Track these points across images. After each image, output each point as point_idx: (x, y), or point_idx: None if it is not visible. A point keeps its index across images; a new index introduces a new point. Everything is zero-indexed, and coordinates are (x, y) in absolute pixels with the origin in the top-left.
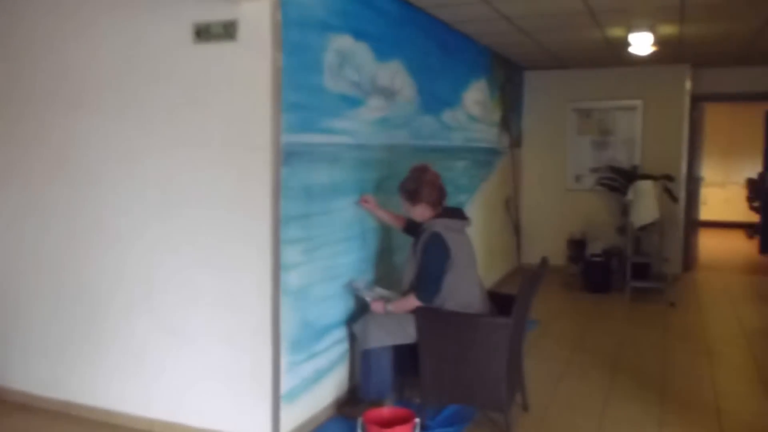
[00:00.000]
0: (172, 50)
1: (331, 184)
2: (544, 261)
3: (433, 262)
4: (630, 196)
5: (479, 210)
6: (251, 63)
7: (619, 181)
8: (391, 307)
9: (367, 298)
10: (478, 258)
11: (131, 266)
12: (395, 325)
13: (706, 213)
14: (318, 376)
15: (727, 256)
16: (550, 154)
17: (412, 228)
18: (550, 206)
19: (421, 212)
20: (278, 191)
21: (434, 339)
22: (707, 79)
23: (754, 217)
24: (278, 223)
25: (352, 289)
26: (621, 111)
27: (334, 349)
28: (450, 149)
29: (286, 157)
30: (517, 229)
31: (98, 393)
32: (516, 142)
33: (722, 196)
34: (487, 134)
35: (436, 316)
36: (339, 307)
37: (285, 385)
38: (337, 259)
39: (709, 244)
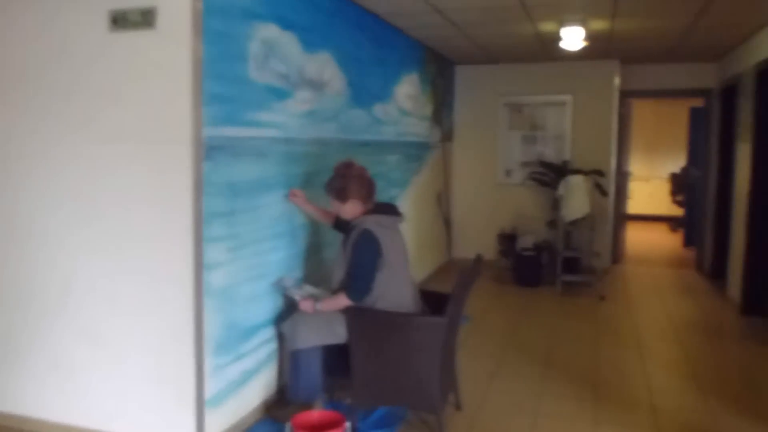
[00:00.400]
0: (87, 39)
1: (257, 180)
2: (478, 258)
3: (363, 260)
4: (561, 191)
5: (412, 204)
6: (170, 52)
7: (550, 175)
8: (320, 306)
9: (296, 297)
10: (410, 252)
11: (48, 268)
12: (325, 324)
13: (631, 207)
14: (245, 378)
15: (652, 249)
16: (481, 148)
17: (342, 224)
18: (481, 200)
19: (351, 209)
20: (200, 187)
21: (365, 339)
22: (634, 75)
23: (678, 211)
24: (200, 220)
25: (280, 287)
26: (551, 106)
27: (262, 349)
28: (381, 143)
29: (208, 151)
30: (448, 223)
31: (14, 399)
32: (447, 136)
33: (647, 191)
34: (418, 128)
35: (366, 315)
36: (267, 307)
37: (209, 390)
38: (265, 256)
39: (635, 238)
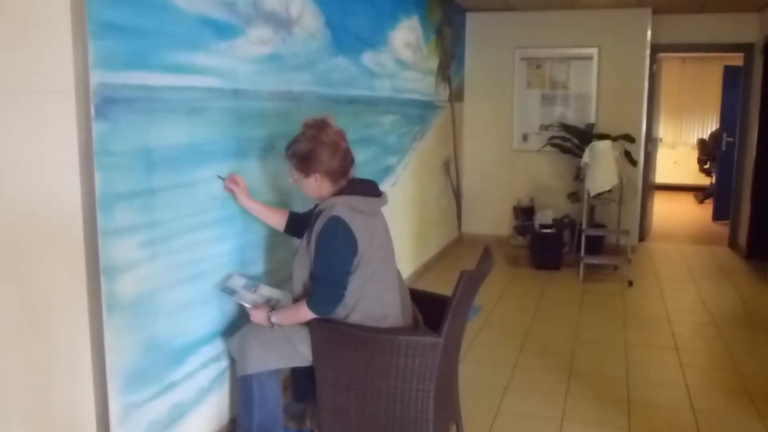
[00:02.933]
0: None
1: (189, 146)
2: (486, 252)
3: (331, 258)
4: (585, 159)
5: (413, 175)
6: None
7: (572, 141)
8: (276, 318)
9: (246, 304)
10: (412, 230)
11: None
12: (282, 342)
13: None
14: (179, 414)
15: (680, 223)
16: (495, 109)
17: (297, 225)
18: (494, 169)
19: (316, 187)
20: (90, 158)
21: (335, 363)
22: (665, 27)
23: (705, 180)
24: (93, 205)
25: (227, 290)
26: (575, 61)
27: (204, 373)
28: (373, 101)
29: (102, 106)
30: (457, 195)
31: None
32: (456, 96)
33: (672, 158)
34: (421, 84)
35: (337, 332)
36: (209, 316)
37: None
38: (203, 250)
39: (660, 210)
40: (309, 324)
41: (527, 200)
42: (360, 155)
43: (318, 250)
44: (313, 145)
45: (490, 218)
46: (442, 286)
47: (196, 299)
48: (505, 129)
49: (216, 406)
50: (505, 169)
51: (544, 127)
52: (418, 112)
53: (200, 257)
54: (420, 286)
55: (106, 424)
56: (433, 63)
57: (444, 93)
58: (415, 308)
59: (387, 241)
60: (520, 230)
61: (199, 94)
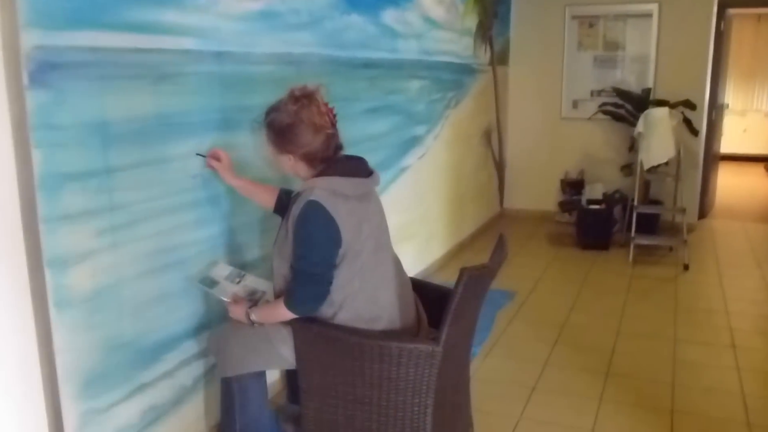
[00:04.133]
0: None
1: (159, 118)
2: (500, 243)
3: (312, 250)
4: (639, 127)
5: (446, 146)
6: None
7: (627, 108)
8: (255, 315)
9: (224, 298)
10: (444, 206)
11: None
12: (263, 343)
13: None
14: (157, 416)
15: (747, 198)
16: (542, 73)
17: (287, 205)
18: (541, 139)
19: (290, 166)
20: (24, 133)
21: (320, 369)
22: None
23: None
24: (31, 188)
25: (205, 281)
26: (632, 19)
27: (186, 371)
28: (396, 64)
29: (39, 72)
30: (499, 167)
31: None
32: (500, 59)
33: (741, 126)
34: (456, 46)
35: (320, 334)
36: (189, 308)
37: None
38: (180, 235)
39: (725, 183)
40: (291, 324)
41: (576, 173)
42: (378, 125)
43: (296, 240)
44: (293, 122)
45: (535, 192)
46: None
47: (172, 290)
48: (553, 95)
49: (203, 405)
50: (553, 139)
51: (596, 93)
52: (453, 76)
53: (177, 244)
54: (454, 267)
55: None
56: (471, 22)
57: (484, 56)
58: (420, 306)
59: (380, 229)
60: (564, 206)
61: (169, 57)
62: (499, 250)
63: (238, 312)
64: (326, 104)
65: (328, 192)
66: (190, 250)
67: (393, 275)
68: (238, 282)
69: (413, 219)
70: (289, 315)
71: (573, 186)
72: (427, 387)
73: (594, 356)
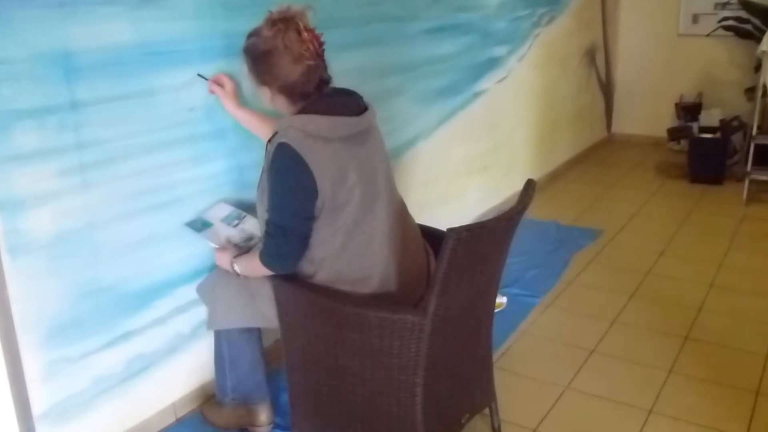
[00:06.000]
0: None
1: (140, 47)
2: (527, 187)
3: (282, 200)
4: (764, 45)
5: (534, 68)
6: None
7: (753, 22)
8: (238, 266)
9: (211, 243)
10: (531, 133)
11: None
12: (245, 297)
13: None
14: (145, 366)
15: None
16: None
17: None
18: (655, 57)
19: (268, 100)
20: None
21: (302, 331)
22: None
23: None
24: None
25: (195, 224)
26: None
27: (182, 318)
28: None
29: None
30: (606, 89)
31: None
32: None
33: None
34: None
35: (297, 295)
36: (185, 250)
37: (43, 400)
38: (172, 173)
39: None
40: (270, 280)
41: (693, 96)
42: (444, 47)
43: (269, 187)
44: (268, 49)
45: (647, 117)
46: (575, 198)
47: (163, 232)
48: (670, 8)
49: (204, 354)
50: (669, 58)
51: (720, 6)
52: None
53: (169, 182)
54: (538, 199)
55: (20, 383)
56: None
57: None
58: (433, 261)
59: (375, 175)
60: (673, 134)
61: None
62: (523, 195)
63: (223, 260)
64: (311, 30)
65: (303, 133)
66: (187, 188)
67: (388, 229)
68: (236, 225)
69: (486, 149)
70: (266, 270)
71: (689, 110)
72: (415, 363)
73: (675, 315)
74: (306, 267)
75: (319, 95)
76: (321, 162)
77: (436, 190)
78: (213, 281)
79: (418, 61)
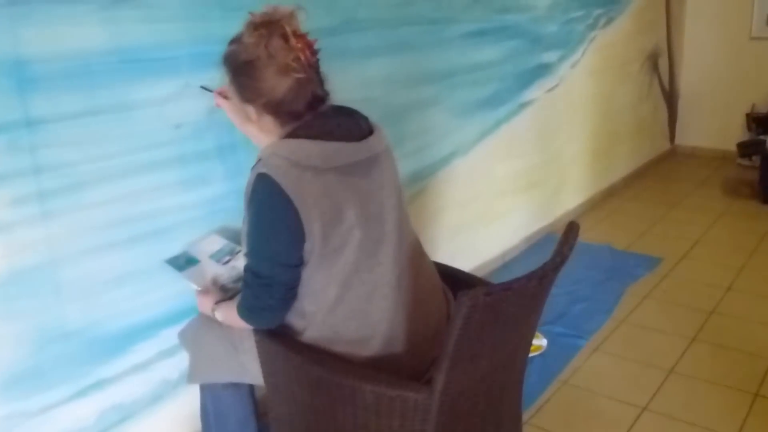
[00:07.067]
0: None
1: (115, 53)
2: (570, 231)
3: (259, 243)
4: None
5: (590, 75)
6: None
7: None
8: (220, 315)
9: (193, 285)
10: (585, 147)
11: None
12: (227, 350)
13: None
14: (123, 417)
15: None
16: None
17: None
18: (724, 63)
19: (256, 120)
20: None
21: (288, 397)
22: None
23: None
24: None
25: (177, 261)
26: None
27: (167, 362)
28: None
29: None
30: (669, 98)
31: None
32: None
33: None
34: None
35: (281, 357)
36: (173, 288)
37: None
38: (152, 201)
39: None
40: (253, 334)
41: (767, 106)
42: (486, 53)
43: (247, 227)
44: (251, 57)
45: (714, 128)
46: (631, 219)
47: (143, 267)
48: (742, 8)
49: (195, 402)
50: (739, 64)
51: None
52: None
53: (150, 210)
54: (592, 219)
55: None
56: None
57: None
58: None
59: (379, 213)
60: (743, 149)
61: None
62: (562, 244)
63: (204, 306)
64: (302, 36)
65: (289, 162)
66: (174, 217)
67: (396, 278)
68: (227, 261)
69: (534, 165)
70: (243, 324)
71: (761, 122)
72: None
73: (743, 365)
74: (295, 321)
75: (313, 115)
76: (309, 198)
77: (475, 211)
78: (196, 327)
79: (455, 68)
